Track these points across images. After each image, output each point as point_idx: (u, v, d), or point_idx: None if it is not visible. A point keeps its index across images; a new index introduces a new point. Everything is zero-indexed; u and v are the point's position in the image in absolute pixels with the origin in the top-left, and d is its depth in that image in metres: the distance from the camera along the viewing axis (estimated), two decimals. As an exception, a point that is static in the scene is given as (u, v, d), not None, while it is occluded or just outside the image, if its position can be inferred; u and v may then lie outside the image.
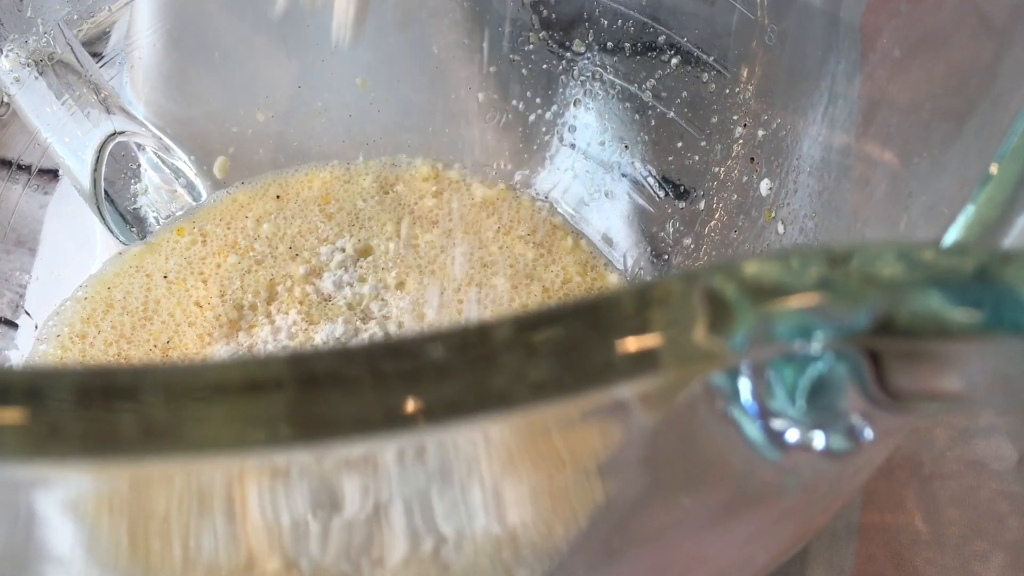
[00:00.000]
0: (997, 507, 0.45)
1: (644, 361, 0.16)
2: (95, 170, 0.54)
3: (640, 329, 0.16)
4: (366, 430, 0.16)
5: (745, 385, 0.20)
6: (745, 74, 0.49)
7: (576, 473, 0.23)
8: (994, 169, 0.21)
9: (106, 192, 0.54)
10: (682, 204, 0.52)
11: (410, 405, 0.15)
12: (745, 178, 0.48)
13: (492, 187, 0.56)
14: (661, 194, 0.53)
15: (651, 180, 0.53)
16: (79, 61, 0.54)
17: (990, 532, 0.44)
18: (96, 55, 0.56)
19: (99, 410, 0.15)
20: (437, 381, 0.16)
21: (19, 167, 0.54)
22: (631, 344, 0.16)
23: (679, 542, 0.27)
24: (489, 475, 0.21)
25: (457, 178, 0.57)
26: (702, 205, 0.51)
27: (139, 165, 0.56)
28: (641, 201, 0.54)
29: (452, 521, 0.23)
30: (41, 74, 0.53)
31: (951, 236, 0.21)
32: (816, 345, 0.17)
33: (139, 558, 0.24)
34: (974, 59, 0.33)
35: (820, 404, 0.20)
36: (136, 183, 0.55)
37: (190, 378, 0.15)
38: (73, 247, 0.54)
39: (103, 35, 0.57)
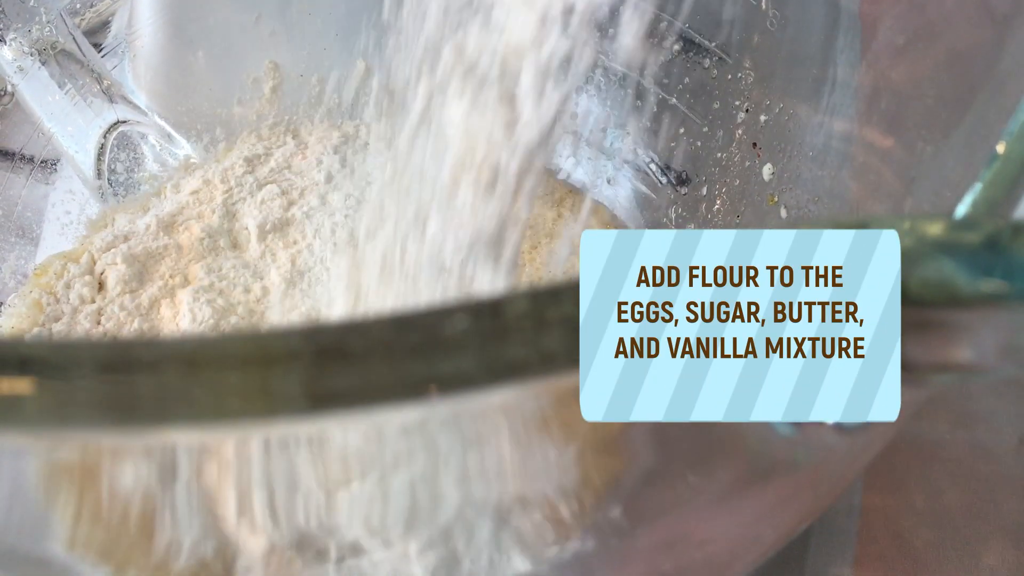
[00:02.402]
0: (997, 490, 0.45)
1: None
2: (98, 159, 0.54)
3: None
4: (379, 402, 0.16)
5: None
6: (747, 60, 0.49)
7: (585, 448, 0.23)
8: (1000, 148, 0.21)
9: (109, 181, 0.54)
10: (684, 190, 0.52)
11: (423, 377, 0.16)
12: (748, 163, 0.48)
13: None
14: (663, 180, 0.53)
15: (653, 167, 0.53)
16: (81, 51, 0.54)
17: (990, 514, 0.44)
18: (97, 45, 0.56)
19: (119, 382, 0.15)
20: (450, 353, 0.16)
21: (22, 158, 0.55)
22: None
23: (689, 520, 0.27)
24: (497, 450, 0.21)
25: None
26: (704, 191, 0.51)
27: (142, 154, 0.56)
28: (643, 188, 0.54)
29: (457, 498, 0.24)
30: (44, 63, 0.53)
31: (959, 214, 0.21)
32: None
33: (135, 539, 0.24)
34: (976, 45, 0.33)
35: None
36: (140, 172, 0.55)
37: (208, 350, 0.16)
38: (75, 237, 0.54)
39: (104, 25, 0.57)
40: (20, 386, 0.15)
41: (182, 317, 0.47)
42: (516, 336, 0.16)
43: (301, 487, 0.22)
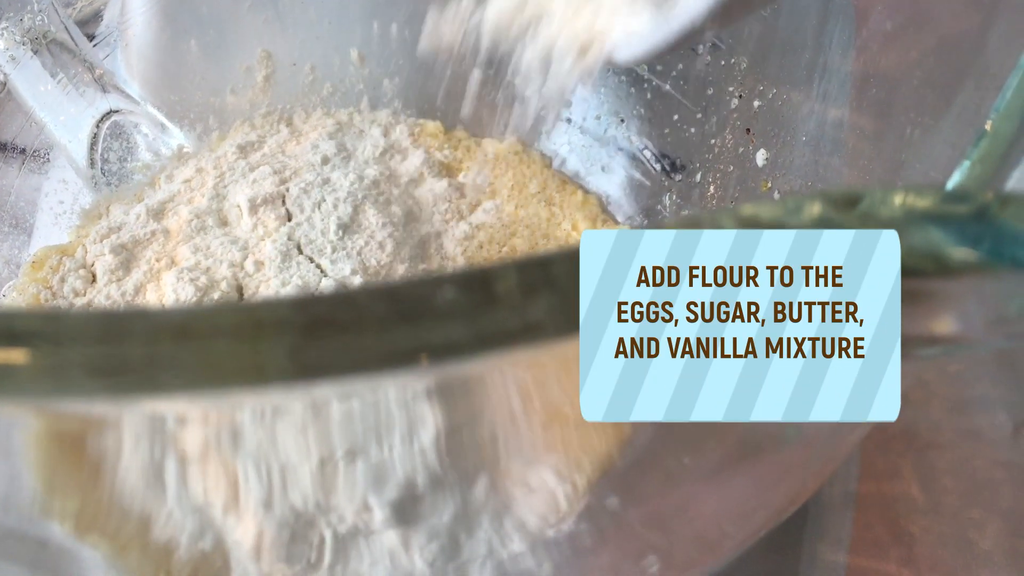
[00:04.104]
0: (993, 476, 0.45)
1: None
2: (91, 148, 0.54)
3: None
4: (368, 370, 0.16)
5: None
6: (740, 46, 0.49)
7: (579, 425, 0.23)
8: (988, 126, 0.21)
9: (102, 171, 0.54)
10: (679, 177, 0.52)
11: (413, 346, 0.16)
12: (741, 149, 0.48)
13: (502, 142, 0.56)
14: (657, 167, 0.53)
15: (647, 153, 0.53)
16: (73, 40, 0.54)
17: (986, 501, 0.44)
18: (90, 35, 0.56)
19: (110, 351, 0.16)
20: (440, 322, 0.16)
21: (14, 148, 0.54)
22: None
23: (679, 496, 0.28)
24: (493, 426, 0.22)
25: (464, 137, 0.57)
26: (698, 177, 0.51)
27: (135, 143, 0.55)
28: (638, 175, 0.54)
29: (452, 478, 0.24)
30: (36, 53, 0.53)
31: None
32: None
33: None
34: (963, 31, 0.33)
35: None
36: (132, 162, 0.55)
37: (199, 320, 0.16)
38: (68, 227, 0.54)
39: (97, 15, 0.56)
40: (13, 356, 0.15)
41: (166, 298, 0.46)
42: (505, 304, 0.16)
43: (295, 463, 0.22)
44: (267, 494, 0.23)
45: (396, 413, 0.20)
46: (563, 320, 0.16)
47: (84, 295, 0.48)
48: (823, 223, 0.17)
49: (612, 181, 0.55)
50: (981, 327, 0.19)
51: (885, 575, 0.43)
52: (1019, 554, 0.43)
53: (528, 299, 0.16)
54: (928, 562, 0.43)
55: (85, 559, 0.26)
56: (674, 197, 0.52)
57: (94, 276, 0.49)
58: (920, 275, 0.17)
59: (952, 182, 0.21)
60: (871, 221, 0.17)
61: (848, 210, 0.17)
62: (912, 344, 0.20)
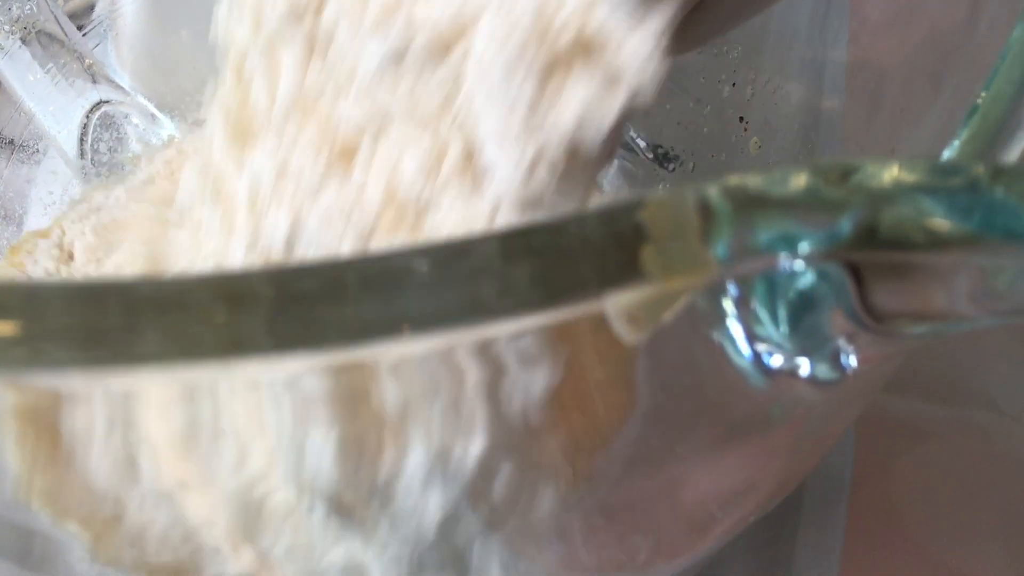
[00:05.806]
0: (989, 468, 0.45)
1: (629, 271, 0.16)
2: (81, 139, 0.54)
3: (627, 239, 0.16)
4: (351, 341, 0.16)
5: (730, 307, 0.20)
6: (734, 34, 0.49)
7: (572, 407, 0.23)
8: (980, 99, 0.21)
9: (92, 161, 0.54)
10: (672, 167, 0.52)
11: (395, 316, 0.15)
12: (734, 138, 0.48)
13: None
14: (650, 156, 0.53)
15: (639, 143, 0.53)
16: (63, 30, 0.54)
17: (982, 493, 0.44)
18: (80, 26, 0.56)
19: (85, 318, 0.15)
20: (422, 292, 0.16)
21: (3, 140, 0.54)
22: (617, 252, 0.16)
23: (666, 480, 0.27)
24: (472, 404, 0.21)
25: None
26: (692, 167, 0.51)
27: (125, 134, 0.55)
28: (629, 165, 0.54)
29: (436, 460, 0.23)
30: (25, 43, 0.53)
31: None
32: (799, 259, 0.17)
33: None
34: (951, 19, 0.33)
35: (804, 326, 0.19)
36: (123, 152, 0.55)
37: (174, 291, 0.16)
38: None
39: (87, 5, 0.56)
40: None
41: None
42: (487, 272, 0.16)
43: (284, 441, 0.22)
44: (252, 473, 0.23)
45: (391, 389, 0.20)
46: (547, 289, 0.16)
47: (59, 274, 0.48)
48: (810, 194, 0.17)
49: (604, 172, 0.54)
50: (970, 302, 0.19)
51: (880, 566, 0.43)
52: (1015, 547, 0.43)
53: (510, 267, 0.16)
54: (923, 554, 0.43)
55: (73, 551, 0.26)
56: (667, 186, 0.52)
57: (71, 255, 0.49)
58: (910, 247, 0.17)
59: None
60: (860, 193, 0.17)
61: (839, 183, 0.17)
62: (898, 321, 0.19)
